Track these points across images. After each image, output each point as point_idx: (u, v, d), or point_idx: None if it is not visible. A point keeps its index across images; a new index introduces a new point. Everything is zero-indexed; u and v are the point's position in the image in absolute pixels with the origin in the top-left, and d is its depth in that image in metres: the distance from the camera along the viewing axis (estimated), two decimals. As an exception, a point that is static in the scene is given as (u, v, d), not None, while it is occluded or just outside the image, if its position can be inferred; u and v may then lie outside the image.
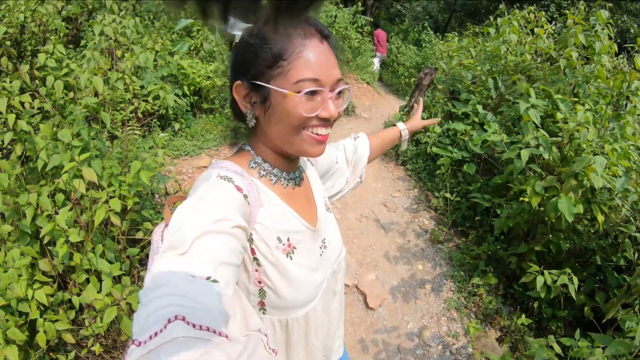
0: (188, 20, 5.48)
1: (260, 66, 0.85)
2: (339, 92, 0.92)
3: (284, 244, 0.95)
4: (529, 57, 3.90)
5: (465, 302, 3.37)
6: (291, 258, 0.96)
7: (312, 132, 0.90)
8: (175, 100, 5.36)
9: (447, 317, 3.27)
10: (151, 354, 0.50)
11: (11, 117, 3.18)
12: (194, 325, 0.53)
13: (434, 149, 4.58)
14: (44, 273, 2.39)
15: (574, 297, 2.55)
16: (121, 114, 4.30)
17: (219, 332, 0.56)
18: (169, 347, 0.50)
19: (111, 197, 2.57)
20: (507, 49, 3.99)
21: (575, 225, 2.94)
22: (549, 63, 3.98)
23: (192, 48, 6.54)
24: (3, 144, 2.90)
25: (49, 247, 2.46)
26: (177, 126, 5.24)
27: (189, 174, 4.64)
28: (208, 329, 0.55)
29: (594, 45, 3.39)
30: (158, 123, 5.33)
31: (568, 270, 2.60)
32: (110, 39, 4.33)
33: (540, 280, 2.65)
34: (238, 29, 0.87)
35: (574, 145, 2.65)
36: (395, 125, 1.56)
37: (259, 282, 0.93)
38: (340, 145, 1.40)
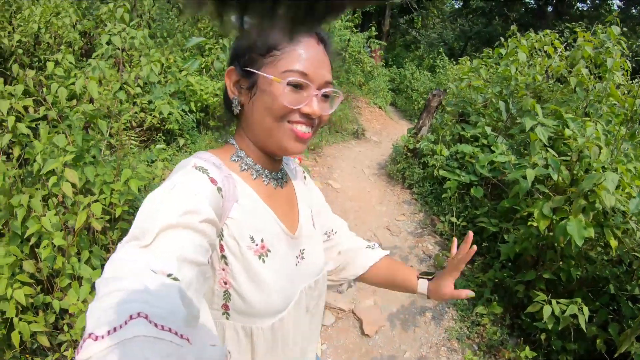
0: (199, 39, 5.51)
1: (255, 54, 0.86)
2: (326, 95, 0.91)
3: (257, 244, 0.89)
4: (540, 78, 3.77)
5: (467, 332, 3.15)
6: (264, 261, 0.89)
7: (294, 127, 0.88)
8: (181, 116, 5.33)
9: (447, 347, 3.05)
10: (109, 351, 0.46)
11: (11, 119, 3.22)
12: (156, 325, 0.50)
13: (441, 172, 4.43)
14: (32, 276, 2.35)
15: (584, 329, 2.35)
16: (124, 123, 4.28)
17: (181, 335, 0.52)
18: (130, 345, 0.47)
19: (95, 202, 2.51)
20: (517, 69, 3.86)
21: (588, 252, 2.75)
22: (560, 83, 3.85)
23: (202, 66, 6.56)
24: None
25: (37, 250, 2.42)
26: (181, 142, 5.20)
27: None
28: (170, 330, 0.51)
29: (605, 63, 3.25)
30: (163, 138, 5.30)
31: (578, 300, 2.41)
32: (118, 49, 4.33)
33: (547, 310, 2.46)
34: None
35: (584, 165, 2.48)
36: (418, 275, 1.25)
37: (225, 283, 0.87)
38: (344, 233, 1.28)
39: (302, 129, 0.88)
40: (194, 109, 5.61)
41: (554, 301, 2.45)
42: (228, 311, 0.89)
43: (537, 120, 2.61)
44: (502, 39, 4.24)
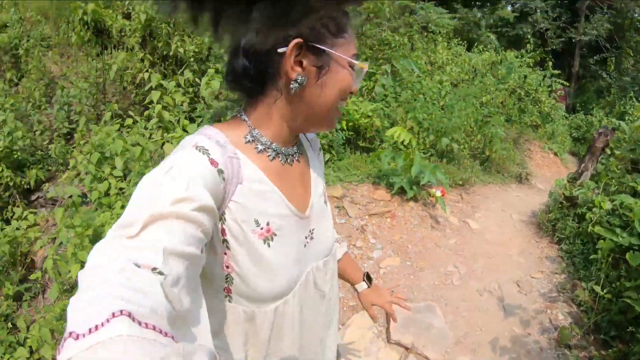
0: (364, 63, 5.69)
1: (325, 31, 0.83)
2: None
3: (262, 228, 0.87)
4: None
5: None
6: (269, 245, 0.88)
7: (339, 107, 0.91)
8: (332, 132, 5.48)
9: None
10: (91, 351, 0.43)
11: (157, 107, 3.70)
12: (139, 323, 0.48)
13: (596, 229, 3.59)
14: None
15: None
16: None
17: (165, 333, 0.50)
18: (111, 345, 0.44)
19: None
20: None
21: None
22: None
23: (363, 88, 6.60)
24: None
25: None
26: (327, 156, 5.33)
27: (317, 199, 4.48)
28: (154, 328, 0.48)
29: None
30: None
31: None
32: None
33: None
34: None
35: None
36: (363, 277, 1.38)
37: (227, 267, 0.86)
38: None
39: (343, 105, 0.93)
40: (345, 127, 5.66)
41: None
42: (230, 294, 0.88)
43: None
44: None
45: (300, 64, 0.83)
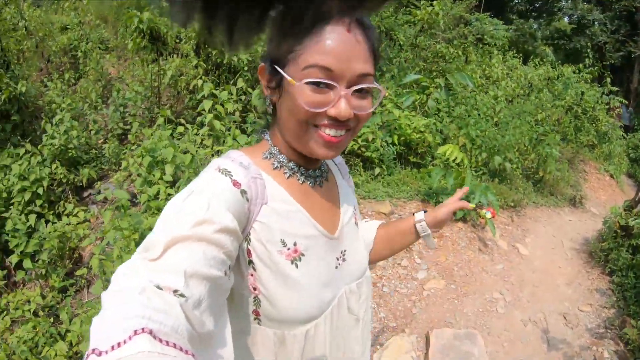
0: (416, 76, 5.51)
1: (281, 51, 0.80)
2: (361, 90, 0.80)
3: (289, 249, 0.85)
4: None
5: None
6: (297, 266, 0.86)
7: (322, 131, 0.80)
8: (383, 147, 5.41)
9: None
10: None
11: (209, 116, 3.77)
12: (160, 341, 0.49)
13: (651, 264, 3.38)
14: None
15: None
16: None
17: (186, 351, 0.52)
18: None
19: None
20: None
21: None
22: None
23: (417, 102, 6.46)
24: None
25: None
26: (377, 171, 5.27)
27: (366, 214, 4.51)
28: (175, 346, 0.50)
29: None
30: (361, 164, 5.41)
31: None
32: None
33: None
34: None
35: None
36: (414, 227, 1.18)
37: (254, 289, 0.85)
38: None
39: (332, 132, 0.80)
40: (396, 141, 5.57)
41: None
42: (259, 317, 0.86)
43: None
44: None
45: (271, 83, 0.84)
